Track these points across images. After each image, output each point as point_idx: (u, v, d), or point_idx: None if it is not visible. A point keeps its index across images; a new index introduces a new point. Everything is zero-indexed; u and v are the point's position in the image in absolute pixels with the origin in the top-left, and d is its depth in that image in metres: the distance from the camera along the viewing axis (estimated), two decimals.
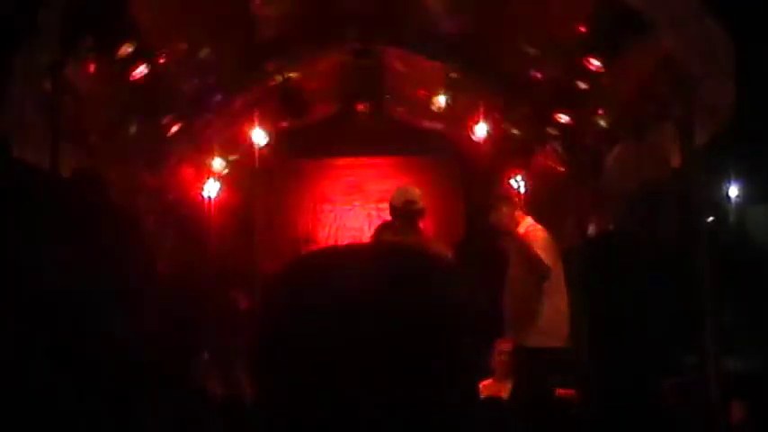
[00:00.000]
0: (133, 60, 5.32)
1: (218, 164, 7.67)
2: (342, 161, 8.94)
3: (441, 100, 7.38)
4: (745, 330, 7.32)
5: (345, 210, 8.94)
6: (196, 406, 5.81)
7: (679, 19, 4.52)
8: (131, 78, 5.38)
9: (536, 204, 6.34)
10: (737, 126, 4.59)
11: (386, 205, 5.73)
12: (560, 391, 5.76)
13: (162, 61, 5.69)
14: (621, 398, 5.94)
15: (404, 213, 5.26)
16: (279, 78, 7.11)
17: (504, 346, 5.87)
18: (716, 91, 4.54)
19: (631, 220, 6.69)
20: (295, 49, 6.89)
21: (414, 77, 7.67)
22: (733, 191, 10.16)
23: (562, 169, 7.09)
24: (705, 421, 4.72)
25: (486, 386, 5.67)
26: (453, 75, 7.09)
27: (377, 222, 6.43)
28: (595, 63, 5.40)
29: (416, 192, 5.41)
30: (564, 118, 6.42)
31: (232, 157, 7.94)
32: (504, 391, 5.81)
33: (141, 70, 5.38)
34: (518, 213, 5.55)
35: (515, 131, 7.53)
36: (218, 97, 7.08)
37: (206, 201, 7.54)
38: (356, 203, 8.92)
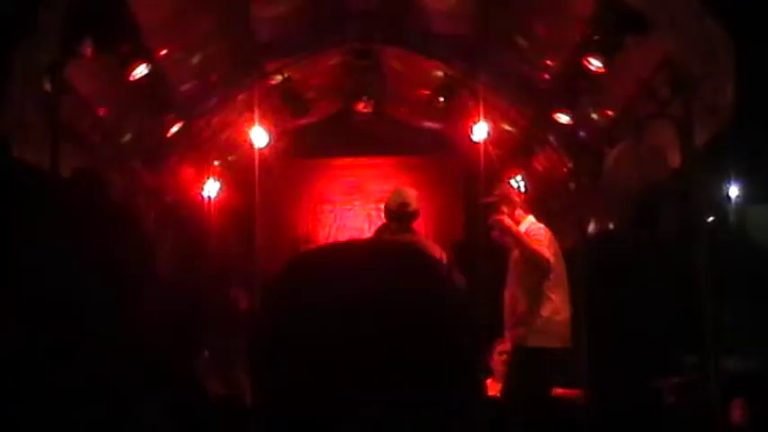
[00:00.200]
0: (133, 60, 5.32)
1: (218, 164, 7.67)
2: (342, 161, 8.94)
3: (441, 100, 7.38)
4: (745, 330, 7.32)
5: (345, 210, 8.95)
6: (196, 406, 5.81)
7: (679, 19, 4.52)
8: (131, 78, 5.38)
9: (536, 204, 6.33)
10: (737, 126, 4.58)
11: None
12: (560, 391, 5.75)
13: (162, 61, 5.69)
14: (621, 398, 5.95)
15: (398, 215, 5.29)
16: (279, 78, 7.11)
17: (504, 346, 5.86)
18: (716, 91, 4.54)
19: (631, 220, 6.69)
20: (295, 49, 6.88)
21: (414, 77, 7.66)
22: (733, 191, 10.17)
23: (562, 169, 7.09)
24: (705, 421, 4.72)
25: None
26: (453, 75, 7.09)
27: (377, 222, 6.43)
28: (595, 63, 5.39)
29: (412, 194, 5.41)
30: (564, 118, 6.41)
31: (232, 157, 7.94)
32: None
33: (141, 70, 5.38)
34: (518, 212, 5.54)
35: (515, 131, 7.53)
36: (218, 97, 7.08)
37: (206, 201, 7.54)
38: (356, 203, 8.92)
